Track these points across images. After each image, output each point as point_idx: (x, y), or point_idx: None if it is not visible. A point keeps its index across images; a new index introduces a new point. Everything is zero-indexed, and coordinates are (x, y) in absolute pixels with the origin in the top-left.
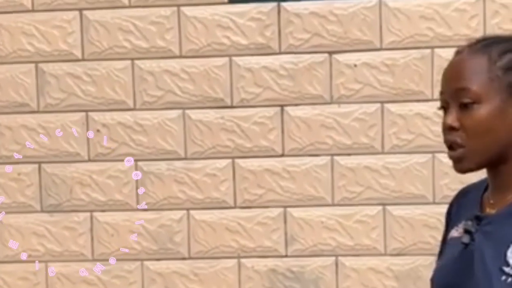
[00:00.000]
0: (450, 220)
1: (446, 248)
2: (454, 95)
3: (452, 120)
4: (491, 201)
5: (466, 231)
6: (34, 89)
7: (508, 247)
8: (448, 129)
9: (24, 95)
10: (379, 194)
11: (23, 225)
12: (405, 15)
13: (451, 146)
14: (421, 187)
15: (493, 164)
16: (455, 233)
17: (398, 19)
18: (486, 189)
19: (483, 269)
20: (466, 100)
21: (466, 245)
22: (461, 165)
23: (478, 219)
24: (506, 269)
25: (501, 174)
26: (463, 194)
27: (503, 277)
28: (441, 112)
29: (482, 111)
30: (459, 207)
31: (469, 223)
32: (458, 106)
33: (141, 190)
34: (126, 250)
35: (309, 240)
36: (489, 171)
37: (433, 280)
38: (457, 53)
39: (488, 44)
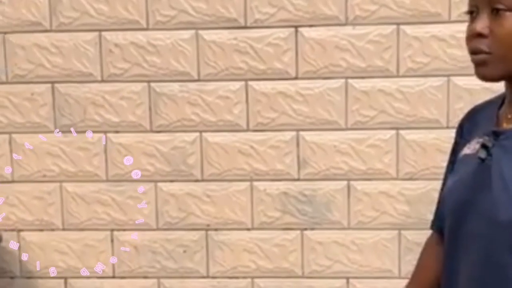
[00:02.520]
0: (461, 138)
1: (458, 165)
2: (487, 1)
3: (481, 26)
4: (509, 116)
5: (483, 146)
6: (47, 8)
7: None
8: (475, 35)
9: (37, 14)
10: (392, 118)
11: (38, 145)
12: None
13: (474, 52)
14: (435, 111)
15: None
16: (467, 150)
17: None
18: (501, 105)
19: (501, 182)
20: (500, 7)
21: (482, 160)
22: (484, 69)
23: (495, 134)
24: None
25: None
26: (476, 112)
27: None
28: (459, 34)
29: None
30: (472, 124)
31: (486, 138)
32: (490, 13)
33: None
34: (139, 172)
35: (321, 164)
36: (509, 84)
37: (445, 198)
38: None
39: None
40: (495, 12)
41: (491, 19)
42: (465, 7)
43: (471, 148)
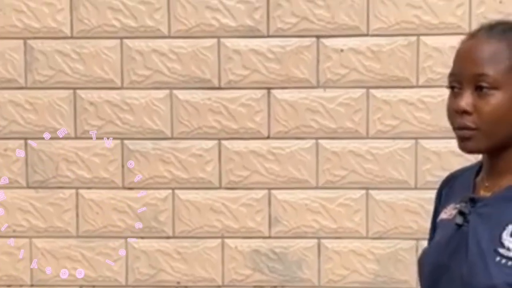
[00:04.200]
0: (440, 204)
1: (436, 230)
2: (471, 79)
3: (466, 103)
4: (486, 184)
5: (460, 213)
6: (22, 65)
7: (503, 229)
8: (460, 112)
9: (12, 71)
10: (362, 178)
11: (9, 200)
12: (392, 2)
13: (460, 128)
14: (403, 172)
15: (496, 149)
16: (444, 215)
17: (385, 5)
18: (477, 173)
19: (477, 250)
20: (484, 85)
21: (459, 226)
22: (470, 144)
23: (472, 201)
24: (501, 251)
25: (501, 159)
26: (453, 178)
27: (498, 258)
28: (426, 99)
29: (499, 97)
30: (449, 190)
31: (463, 204)
32: (473, 90)
33: (130, 164)
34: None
35: (292, 222)
36: (488, 155)
37: (421, 261)
38: (472, 36)
39: (506, 30)
40: (479, 90)
41: (475, 96)
42: (432, 73)
43: (447, 213)
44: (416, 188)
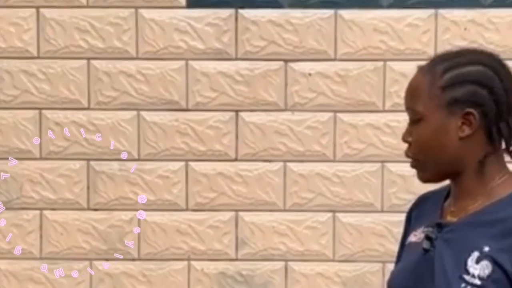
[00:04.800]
0: (409, 226)
1: (404, 253)
2: (408, 112)
3: (404, 134)
4: (452, 209)
5: (427, 237)
6: None
7: (469, 255)
8: (403, 141)
9: None
10: (329, 201)
11: None
12: (359, 28)
13: (408, 157)
14: (370, 195)
15: (451, 175)
16: (413, 238)
17: (352, 31)
18: (447, 196)
19: (443, 276)
20: (415, 118)
21: (426, 250)
22: (419, 174)
23: (439, 226)
24: (466, 277)
25: (460, 184)
26: (424, 200)
27: (463, 285)
28: (392, 123)
29: (425, 127)
30: (419, 212)
31: (430, 229)
32: (411, 122)
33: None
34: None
35: (259, 244)
36: (451, 181)
37: (389, 284)
38: (417, 69)
39: (436, 63)
40: (415, 122)
41: (412, 128)
42: (398, 98)
43: (416, 236)
44: (382, 211)
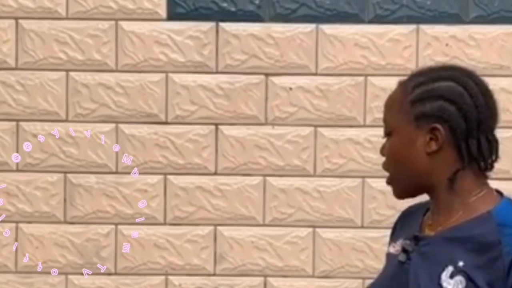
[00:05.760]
0: (392, 238)
1: (384, 264)
2: (383, 124)
3: (381, 147)
4: (430, 222)
5: (404, 250)
6: None
7: (443, 269)
8: (382, 155)
9: None
10: (309, 216)
11: None
12: (341, 42)
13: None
14: (350, 211)
15: (423, 190)
16: (392, 249)
17: (333, 45)
18: (428, 210)
19: None
20: (387, 130)
21: (402, 263)
22: (393, 190)
23: (416, 239)
24: None
25: (436, 198)
26: (408, 213)
27: None
28: (373, 138)
29: (395, 140)
30: (402, 225)
31: (407, 242)
32: (385, 135)
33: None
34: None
35: (238, 259)
36: (429, 195)
37: None
38: (397, 84)
39: (410, 78)
40: (388, 135)
41: (386, 141)
42: (379, 113)
43: (395, 247)
44: (362, 226)
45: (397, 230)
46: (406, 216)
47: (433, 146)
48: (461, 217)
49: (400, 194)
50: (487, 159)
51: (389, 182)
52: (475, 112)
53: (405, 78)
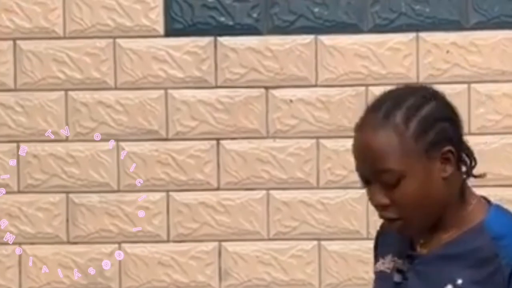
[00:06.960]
0: (378, 252)
1: (374, 283)
2: (376, 175)
3: (380, 198)
4: (421, 241)
5: (398, 270)
6: None
7: None
8: (379, 206)
9: None
10: (314, 229)
11: None
12: (340, 53)
13: (388, 220)
14: (355, 222)
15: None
16: (381, 266)
17: (333, 56)
18: None
19: None
20: (391, 180)
21: (398, 283)
22: (405, 231)
23: (410, 258)
24: None
25: (443, 216)
26: (388, 228)
27: None
28: None
29: (410, 184)
30: (385, 238)
31: (400, 262)
32: (382, 183)
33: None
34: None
35: (243, 274)
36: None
37: None
38: (359, 128)
39: (389, 112)
40: (392, 182)
41: (387, 189)
42: None
43: (385, 264)
44: (368, 238)
45: (380, 246)
46: (386, 231)
47: (448, 168)
48: (456, 231)
49: (422, 231)
50: (474, 166)
51: (399, 228)
52: (459, 121)
53: (362, 122)
